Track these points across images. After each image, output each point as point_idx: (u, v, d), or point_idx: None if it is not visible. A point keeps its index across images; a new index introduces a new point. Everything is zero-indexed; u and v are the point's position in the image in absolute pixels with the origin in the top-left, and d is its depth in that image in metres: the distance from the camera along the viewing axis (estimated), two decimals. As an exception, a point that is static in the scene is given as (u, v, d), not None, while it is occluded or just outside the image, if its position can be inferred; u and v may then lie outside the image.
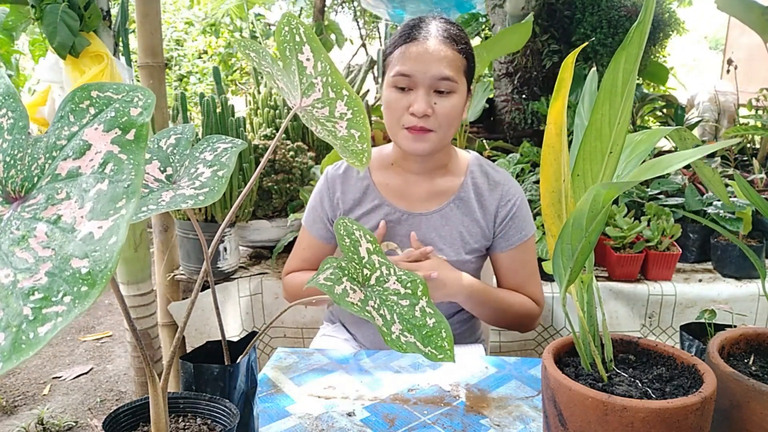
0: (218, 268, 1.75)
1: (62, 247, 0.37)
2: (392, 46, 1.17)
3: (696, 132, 3.92)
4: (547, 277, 1.73)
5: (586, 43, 0.88)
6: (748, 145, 2.76)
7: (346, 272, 0.66)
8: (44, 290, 0.35)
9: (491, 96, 3.30)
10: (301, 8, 5.54)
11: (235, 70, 6.55)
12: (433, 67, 1.11)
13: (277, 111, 2.22)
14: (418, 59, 1.12)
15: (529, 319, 1.26)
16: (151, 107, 0.42)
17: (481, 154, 1.32)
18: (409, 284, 0.69)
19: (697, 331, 0.97)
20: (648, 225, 1.75)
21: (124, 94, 0.42)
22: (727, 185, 1.77)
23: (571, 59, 0.63)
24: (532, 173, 2.11)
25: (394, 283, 0.69)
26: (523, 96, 3.14)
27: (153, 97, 0.42)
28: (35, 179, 0.41)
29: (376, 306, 0.64)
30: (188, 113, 2.05)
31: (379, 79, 1.25)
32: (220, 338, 0.73)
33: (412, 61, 1.12)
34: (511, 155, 2.23)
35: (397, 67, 1.13)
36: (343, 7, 6.05)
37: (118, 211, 0.37)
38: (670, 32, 3.14)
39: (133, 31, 2.01)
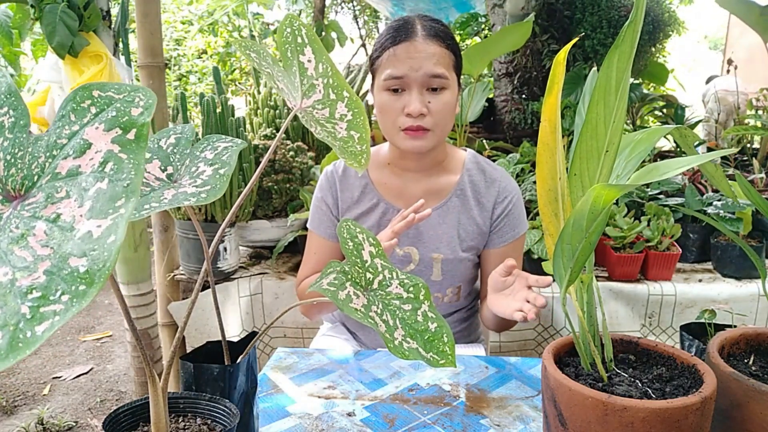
0: (218, 268, 1.75)
1: (61, 246, 0.37)
2: (379, 49, 1.17)
3: (702, 132, 3.90)
4: (547, 277, 1.73)
5: (576, 39, 0.88)
6: (748, 145, 2.76)
7: (350, 276, 0.66)
8: (42, 289, 0.35)
9: (491, 96, 3.29)
10: (301, 10, 5.54)
11: (234, 70, 6.55)
12: (423, 66, 1.11)
13: (277, 111, 2.22)
14: (408, 59, 1.12)
15: (515, 322, 1.26)
16: (152, 107, 0.42)
17: (480, 154, 1.32)
18: (411, 288, 0.69)
19: (697, 331, 0.97)
20: (648, 225, 1.75)
21: (125, 94, 0.42)
22: (726, 185, 1.77)
23: (562, 56, 0.63)
24: (531, 173, 2.11)
25: (397, 287, 0.69)
26: (523, 96, 3.14)
27: (154, 97, 0.42)
28: (35, 178, 0.41)
29: (378, 311, 0.64)
30: (188, 113, 2.05)
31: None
32: (220, 338, 0.73)
33: (402, 62, 1.12)
34: (511, 155, 2.23)
35: (388, 70, 1.13)
36: (342, 7, 6.05)
37: (117, 210, 0.37)
38: (670, 32, 3.13)
39: (133, 31, 2.01)
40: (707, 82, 4.74)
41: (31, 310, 0.35)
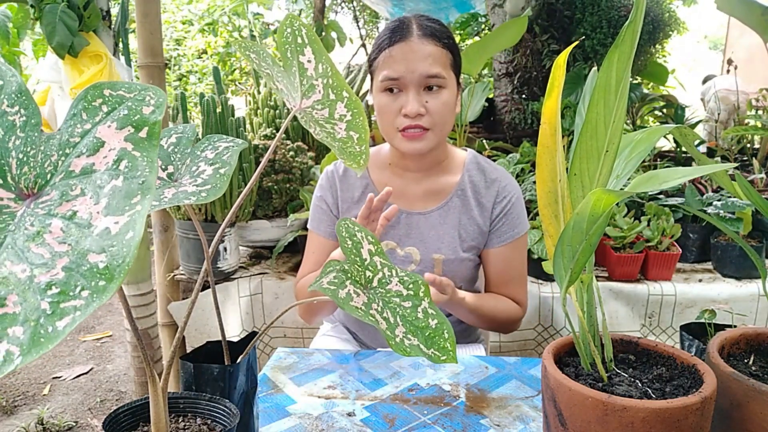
0: (218, 268, 1.75)
1: (79, 243, 0.37)
2: (376, 50, 1.17)
3: (702, 131, 3.90)
4: (547, 277, 1.73)
5: (577, 42, 0.88)
6: (748, 145, 2.76)
7: (349, 275, 0.66)
8: (61, 285, 0.36)
9: (491, 96, 3.30)
10: (301, 10, 5.54)
11: (234, 70, 6.55)
12: (419, 66, 1.11)
13: (277, 111, 2.22)
14: (404, 60, 1.12)
15: (511, 323, 1.25)
16: (162, 106, 0.42)
17: (480, 154, 1.32)
18: (411, 285, 0.69)
19: (697, 331, 0.97)
20: (648, 225, 1.75)
21: (136, 93, 0.43)
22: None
23: (562, 59, 0.63)
24: (531, 173, 2.11)
25: (396, 284, 0.69)
26: (523, 96, 3.14)
27: (165, 96, 0.43)
28: (48, 176, 0.41)
29: (379, 309, 0.64)
30: (188, 113, 2.05)
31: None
32: (220, 338, 0.73)
33: (397, 63, 1.12)
34: (511, 155, 2.23)
35: (384, 72, 1.13)
36: (342, 8, 6.05)
37: (134, 206, 0.38)
38: (670, 32, 3.14)
39: (133, 31, 2.01)
40: (704, 81, 4.74)
41: (51, 306, 0.35)
